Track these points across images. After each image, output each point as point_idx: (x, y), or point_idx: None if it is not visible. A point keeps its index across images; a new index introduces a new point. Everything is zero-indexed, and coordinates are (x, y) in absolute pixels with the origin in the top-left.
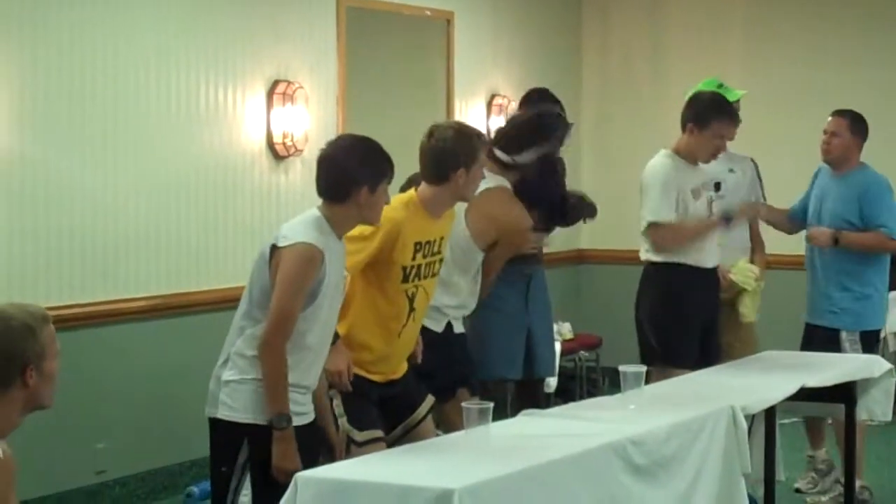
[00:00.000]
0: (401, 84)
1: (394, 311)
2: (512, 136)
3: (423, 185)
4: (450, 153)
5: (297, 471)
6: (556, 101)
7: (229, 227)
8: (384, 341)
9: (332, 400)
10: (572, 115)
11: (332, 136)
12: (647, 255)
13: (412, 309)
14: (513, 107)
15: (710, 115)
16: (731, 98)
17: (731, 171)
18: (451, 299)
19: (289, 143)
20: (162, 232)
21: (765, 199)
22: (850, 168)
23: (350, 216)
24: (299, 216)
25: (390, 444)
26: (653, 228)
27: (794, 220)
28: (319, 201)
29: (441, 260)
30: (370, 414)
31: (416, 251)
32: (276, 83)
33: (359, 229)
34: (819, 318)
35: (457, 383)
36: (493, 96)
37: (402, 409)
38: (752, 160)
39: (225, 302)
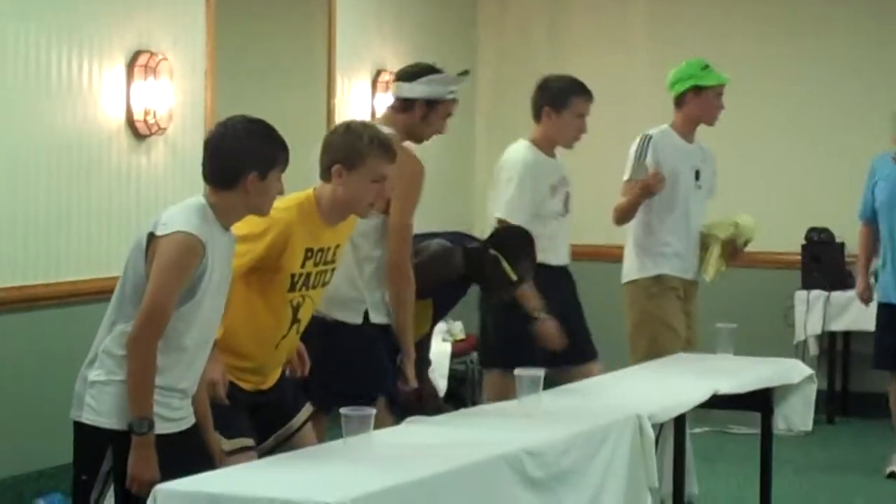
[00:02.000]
0: (277, 57)
1: (275, 321)
2: (407, 70)
3: (321, 185)
4: (330, 147)
5: (154, 482)
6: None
7: (83, 213)
8: (260, 351)
9: None
10: (466, 90)
11: (199, 113)
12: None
13: (295, 320)
14: None
15: (568, 93)
16: (715, 81)
17: (703, 159)
18: (350, 291)
19: (151, 120)
20: (5, 218)
21: (713, 195)
22: None
23: (238, 204)
24: (181, 203)
25: (261, 457)
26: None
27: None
28: (184, 185)
29: (333, 270)
30: (239, 421)
31: (306, 258)
32: (137, 54)
33: (246, 227)
34: None
35: (372, 391)
36: (378, 72)
37: (274, 419)
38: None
39: (78, 296)
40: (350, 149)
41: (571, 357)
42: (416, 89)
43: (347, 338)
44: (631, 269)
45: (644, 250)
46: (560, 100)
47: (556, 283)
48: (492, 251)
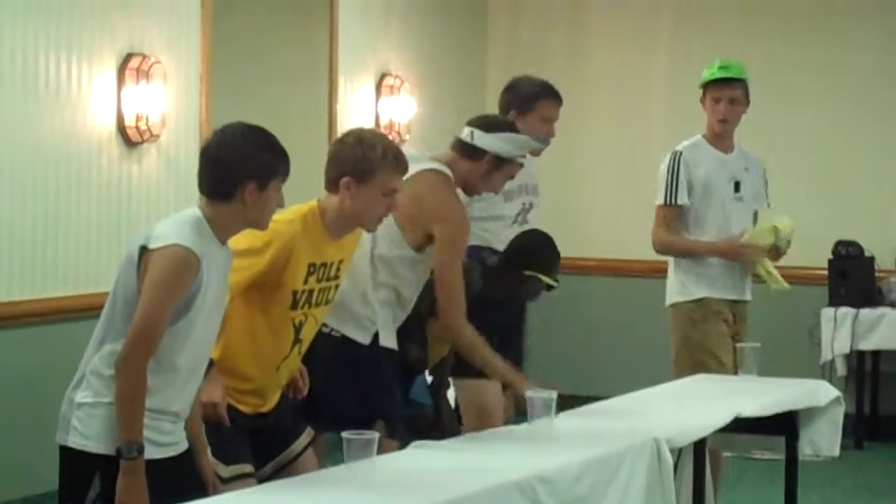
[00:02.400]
0: (276, 60)
1: (276, 341)
2: (488, 120)
3: (326, 197)
4: (338, 158)
5: None
6: None
7: (71, 224)
8: (260, 372)
9: None
10: (476, 88)
11: (193, 119)
12: None
13: (297, 340)
14: (406, 88)
15: (535, 97)
16: (707, 76)
17: (746, 169)
18: (363, 308)
19: (143, 126)
20: None
21: (767, 206)
22: None
23: (235, 217)
24: (175, 214)
25: (259, 483)
26: None
27: None
28: (178, 195)
29: (337, 286)
30: (239, 446)
31: (309, 274)
32: (128, 57)
33: (247, 241)
34: None
35: (372, 414)
36: (383, 76)
37: (273, 444)
38: (760, 161)
39: (65, 312)
40: (362, 160)
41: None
42: (493, 143)
43: (354, 356)
44: (672, 291)
45: (684, 271)
46: (526, 102)
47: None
48: (527, 272)
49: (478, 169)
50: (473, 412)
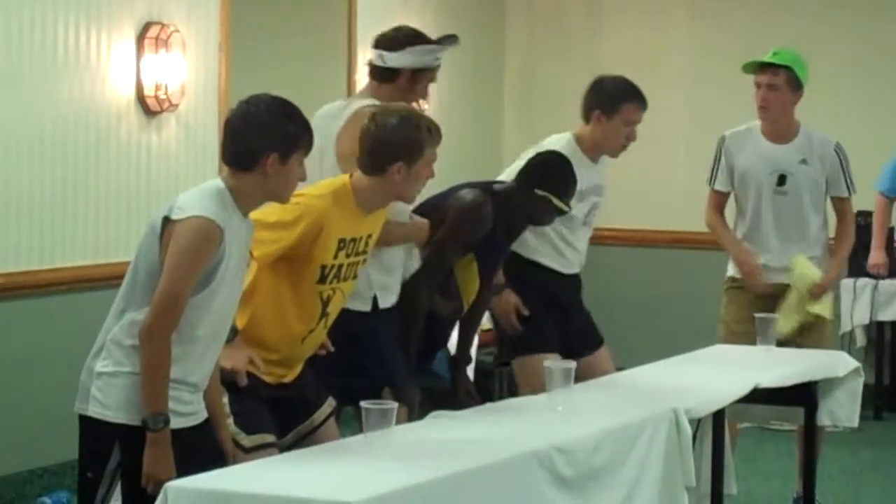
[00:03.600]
0: (295, 29)
1: (302, 314)
2: (390, 37)
3: (358, 174)
4: (387, 143)
5: (170, 480)
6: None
7: (90, 194)
8: (286, 344)
9: None
10: (493, 61)
11: (212, 89)
12: None
13: (325, 314)
14: None
15: (620, 99)
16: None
17: (803, 161)
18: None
19: (162, 96)
20: (11, 199)
21: (851, 192)
22: None
23: (256, 188)
24: (198, 186)
25: (280, 453)
26: None
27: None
28: (196, 164)
29: (365, 261)
30: (261, 416)
31: (339, 249)
32: (147, 26)
33: (277, 214)
34: None
35: (377, 383)
36: None
37: (295, 413)
38: (838, 146)
39: (84, 282)
40: (410, 143)
41: (578, 349)
42: (403, 59)
43: (353, 328)
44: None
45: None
46: (611, 104)
47: (558, 285)
48: (538, 192)
49: (398, 88)
50: (534, 390)
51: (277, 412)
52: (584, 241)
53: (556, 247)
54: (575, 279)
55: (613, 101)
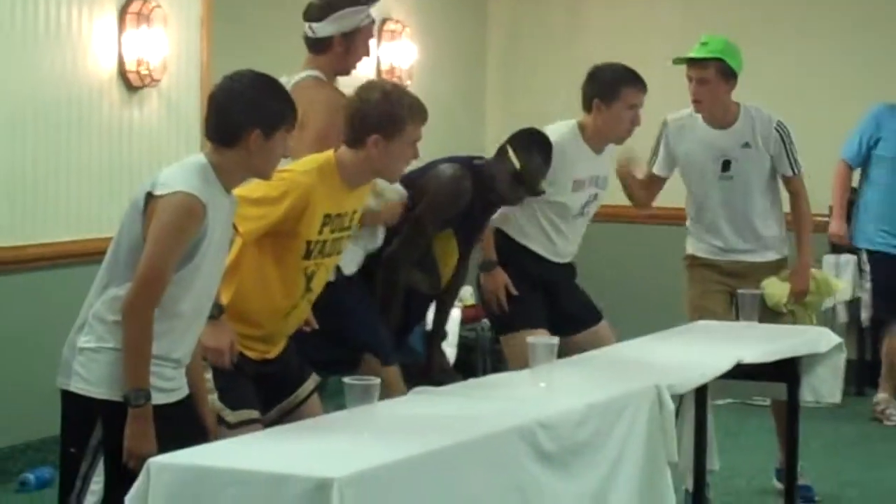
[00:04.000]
0: (276, 3)
1: (287, 289)
2: (316, 6)
3: (343, 149)
4: (366, 115)
5: (152, 456)
6: None
7: (72, 169)
8: (269, 320)
9: None
10: (477, 34)
11: (194, 64)
12: None
13: (308, 289)
14: (407, 33)
15: (618, 84)
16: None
17: (745, 145)
18: None
19: (144, 71)
20: None
21: (796, 172)
22: None
23: (239, 164)
24: (181, 161)
25: (265, 428)
26: None
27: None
28: (178, 140)
29: (349, 237)
30: (246, 392)
31: (324, 224)
32: (129, 1)
33: (262, 190)
34: None
35: (355, 351)
36: (384, 21)
37: (279, 389)
38: (779, 125)
39: (66, 257)
40: (389, 117)
41: (575, 325)
42: (330, 27)
43: (321, 300)
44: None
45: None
46: (610, 91)
47: (547, 270)
48: (511, 156)
49: (335, 55)
50: (521, 366)
51: (261, 388)
52: (578, 232)
53: (547, 234)
54: (567, 267)
55: (612, 87)
